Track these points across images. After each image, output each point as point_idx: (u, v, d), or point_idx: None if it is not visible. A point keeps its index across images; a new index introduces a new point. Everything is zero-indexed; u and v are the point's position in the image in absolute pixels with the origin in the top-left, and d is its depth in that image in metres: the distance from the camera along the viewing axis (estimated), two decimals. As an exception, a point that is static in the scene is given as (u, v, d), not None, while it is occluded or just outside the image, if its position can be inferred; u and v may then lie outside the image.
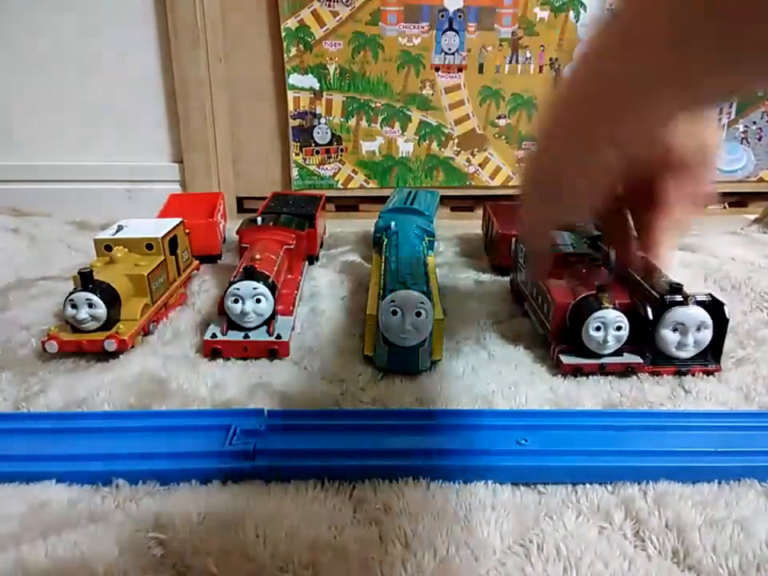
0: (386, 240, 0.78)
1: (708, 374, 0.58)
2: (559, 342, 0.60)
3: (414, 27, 1.13)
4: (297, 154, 1.20)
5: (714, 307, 0.56)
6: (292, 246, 0.76)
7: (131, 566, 0.37)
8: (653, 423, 0.50)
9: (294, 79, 1.16)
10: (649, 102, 0.29)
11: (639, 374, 0.59)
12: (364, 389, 0.57)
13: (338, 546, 0.39)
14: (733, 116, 1.21)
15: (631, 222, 0.50)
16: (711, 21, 0.25)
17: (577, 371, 0.58)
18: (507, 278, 0.80)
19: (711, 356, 0.58)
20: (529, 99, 1.18)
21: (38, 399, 0.54)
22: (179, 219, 0.76)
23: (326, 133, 1.20)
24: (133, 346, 0.62)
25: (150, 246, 0.70)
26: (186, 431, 0.49)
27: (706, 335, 0.57)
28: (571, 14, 1.13)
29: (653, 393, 0.56)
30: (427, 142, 1.21)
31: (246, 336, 0.62)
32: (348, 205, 1.28)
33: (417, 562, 0.37)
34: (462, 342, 0.66)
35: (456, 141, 1.21)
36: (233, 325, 0.63)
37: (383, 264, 0.71)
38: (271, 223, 0.78)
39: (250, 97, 1.18)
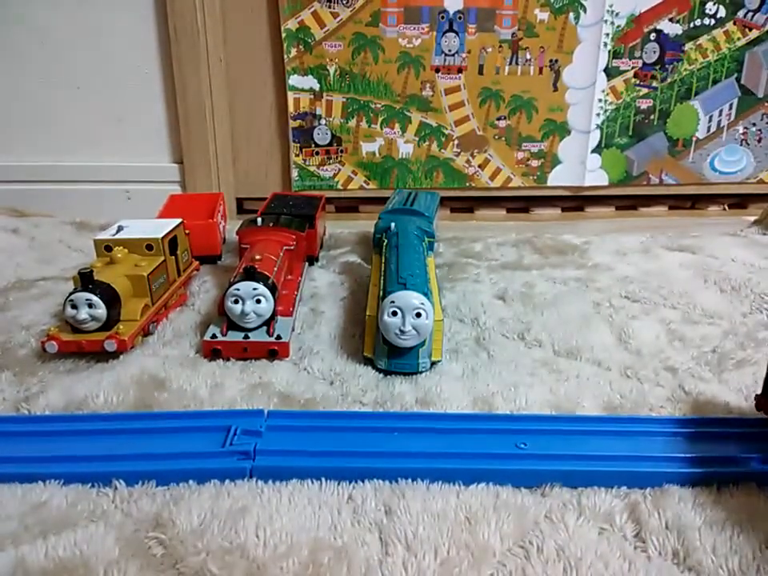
0: (386, 241, 0.78)
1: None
2: None
3: (414, 28, 1.13)
4: (297, 155, 1.20)
5: None
6: (292, 247, 0.76)
7: (131, 566, 0.37)
8: (650, 429, 0.50)
9: (294, 80, 1.16)
10: None
11: (639, 376, 0.59)
12: (364, 390, 0.57)
13: (338, 546, 0.39)
14: (732, 118, 1.22)
15: None
16: None
17: None
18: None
19: None
20: (529, 100, 1.18)
21: (38, 399, 0.54)
22: (179, 220, 0.76)
23: (326, 134, 1.20)
24: (133, 347, 0.62)
25: (150, 247, 0.70)
26: (187, 432, 0.49)
27: None
28: (571, 15, 1.13)
29: (653, 394, 0.56)
30: (427, 143, 1.21)
31: (246, 336, 0.62)
32: (348, 206, 1.28)
33: (418, 563, 0.37)
34: (461, 342, 0.66)
35: (456, 142, 1.21)
36: (233, 325, 0.63)
37: (383, 265, 0.71)
38: (271, 224, 0.78)
39: (250, 97, 1.18)
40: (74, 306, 0.60)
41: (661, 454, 0.46)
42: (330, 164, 1.22)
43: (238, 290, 0.62)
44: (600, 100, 1.19)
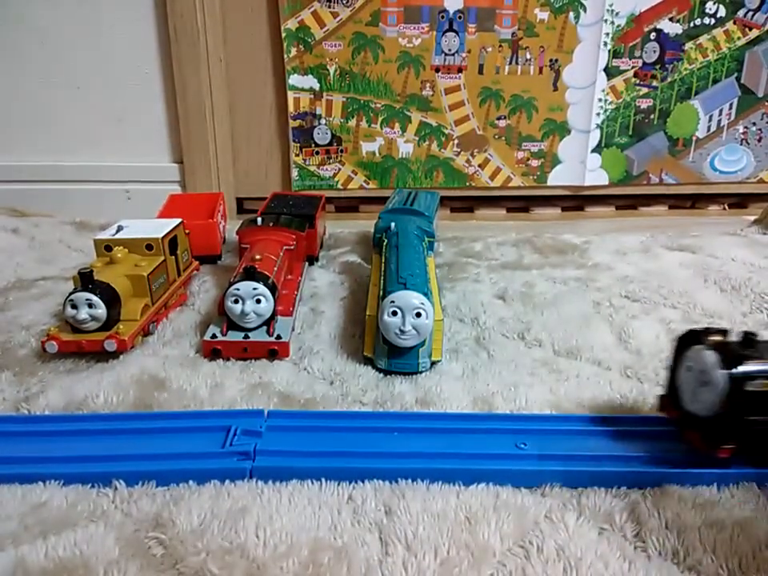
0: (386, 241, 0.78)
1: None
2: None
3: (414, 28, 1.13)
4: (297, 155, 1.20)
5: None
6: (292, 247, 0.76)
7: (131, 566, 0.37)
8: (650, 429, 0.50)
9: (294, 80, 1.16)
10: None
11: (639, 376, 0.59)
12: (364, 389, 0.57)
13: (338, 546, 0.39)
14: (732, 117, 1.22)
15: None
16: None
17: None
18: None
19: None
20: (529, 100, 1.18)
21: (38, 399, 0.54)
22: (179, 220, 0.76)
23: (326, 133, 1.20)
24: (133, 347, 0.62)
25: (150, 247, 0.70)
26: (187, 432, 0.49)
27: None
28: (571, 15, 1.13)
29: (653, 394, 0.56)
30: (427, 142, 1.21)
31: (246, 336, 0.62)
32: (348, 206, 1.28)
33: (417, 563, 0.37)
34: (461, 342, 0.66)
35: (456, 141, 1.21)
36: (233, 325, 0.63)
37: (383, 265, 0.71)
38: (271, 224, 0.78)
39: (250, 97, 1.18)
40: (74, 306, 0.60)
41: (661, 454, 0.46)
42: (330, 164, 1.22)
43: (238, 289, 0.62)
44: (600, 99, 1.19)
